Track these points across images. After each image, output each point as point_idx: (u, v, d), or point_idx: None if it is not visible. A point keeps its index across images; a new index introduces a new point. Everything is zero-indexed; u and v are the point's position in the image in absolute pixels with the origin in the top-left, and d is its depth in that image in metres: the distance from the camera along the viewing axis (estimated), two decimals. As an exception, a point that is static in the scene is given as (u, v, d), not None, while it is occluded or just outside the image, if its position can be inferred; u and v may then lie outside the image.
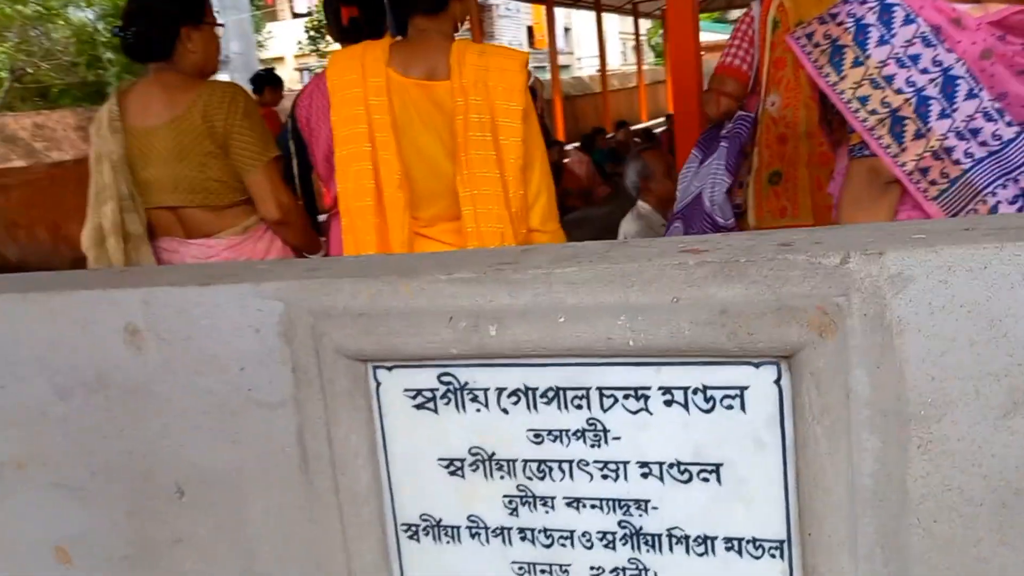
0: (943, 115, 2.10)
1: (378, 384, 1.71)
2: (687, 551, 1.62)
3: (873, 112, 2.18)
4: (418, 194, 2.50)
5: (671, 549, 1.62)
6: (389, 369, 1.69)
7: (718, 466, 1.55)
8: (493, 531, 1.72)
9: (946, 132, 2.09)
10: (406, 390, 1.70)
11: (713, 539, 1.59)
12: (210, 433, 1.67)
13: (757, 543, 1.57)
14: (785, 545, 1.55)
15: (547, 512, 1.68)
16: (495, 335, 1.57)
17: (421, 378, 1.68)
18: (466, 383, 1.65)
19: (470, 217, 2.43)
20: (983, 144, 2.04)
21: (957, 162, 2.06)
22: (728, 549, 1.59)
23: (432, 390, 1.68)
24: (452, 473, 1.71)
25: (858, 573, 1.50)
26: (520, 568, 1.73)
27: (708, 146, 4.36)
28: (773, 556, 1.57)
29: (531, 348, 1.56)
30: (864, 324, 1.42)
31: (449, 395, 1.67)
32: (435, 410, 1.69)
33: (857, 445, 1.46)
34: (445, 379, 1.67)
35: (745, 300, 1.46)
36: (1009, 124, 2.08)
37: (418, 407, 1.70)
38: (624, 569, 1.67)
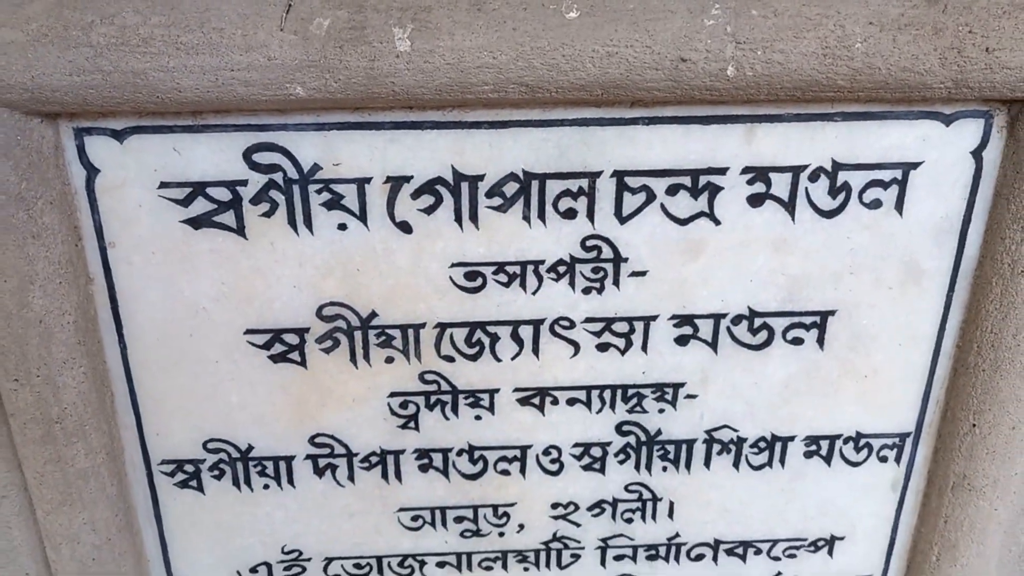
0: None
1: (91, 174, 0.73)
2: (735, 464, 0.90)
3: None
4: None
5: (707, 463, 0.90)
6: (118, 136, 0.71)
7: (826, 316, 0.82)
8: (364, 460, 0.88)
9: None
10: (165, 184, 0.74)
11: (786, 441, 0.89)
12: None
13: (861, 441, 0.89)
14: (908, 442, 0.90)
15: (478, 418, 0.87)
16: (408, 48, 0.66)
17: (204, 158, 0.73)
18: (314, 170, 0.73)
19: None
20: None
21: None
22: (809, 454, 0.90)
23: (231, 185, 0.74)
24: (277, 357, 0.82)
25: (1040, 481, 0.90)
26: (415, 518, 0.92)
27: None
28: (883, 459, 0.91)
29: (481, 77, 0.67)
30: None
31: (274, 194, 0.75)
32: (238, 229, 0.76)
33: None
34: (261, 158, 0.73)
35: (977, -27, 0.68)
36: None
37: (196, 222, 0.75)
38: (615, 502, 0.93)
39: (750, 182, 0.76)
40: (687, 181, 0.76)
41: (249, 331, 0.80)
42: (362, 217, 0.76)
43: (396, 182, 0.75)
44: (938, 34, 0.67)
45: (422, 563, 0.94)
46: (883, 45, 0.67)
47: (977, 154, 0.76)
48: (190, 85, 0.66)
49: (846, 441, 0.89)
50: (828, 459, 0.90)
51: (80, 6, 0.64)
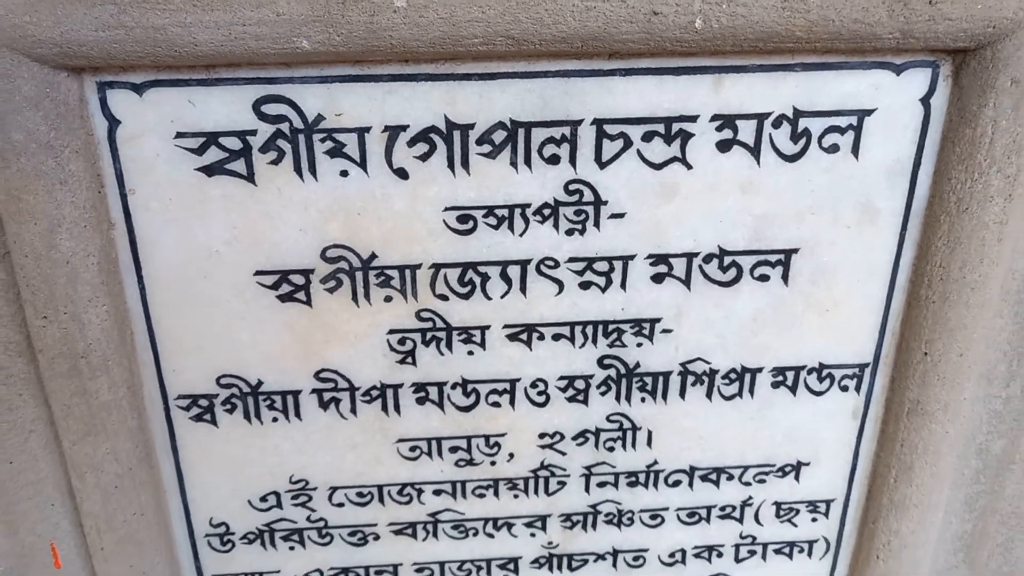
0: None
1: (112, 125, 0.79)
2: (708, 395, 0.98)
3: None
4: None
5: (682, 394, 0.98)
6: (137, 90, 0.78)
7: (791, 253, 0.90)
8: (365, 394, 0.95)
9: None
10: (180, 135, 0.80)
11: (755, 372, 0.97)
12: None
13: (824, 371, 0.97)
14: (867, 371, 0.97)
15: (470, 353, 0.94)
16: (405, 3, 0.72)
17: (217, 110, 0.79)
18: (318, 120, 0.80)
19: None
20: None
21: None
22: (776, 385, 0.98)
23: (242, 135, 0.81)
24: (284, 297, 0.88)
25: (990, 402, 0.98)
26: (413, 448, 1.00)
27: None
28: (844, 389, 0.98)
29: (471, 30, 0.74)
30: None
31: (281, 143, 0.81)
32: (248, 176, 0.82)
33: (1030, 206, 0.87)
34: (269, 109, 0.79)
35: (921, -67, 0.75)
36: None
37: (209, 170, 0.82)
38: (597, 432, 1.00)
39: (719, 129, 0.83)
40: (661, 128, 0.83)
41: (258, 272, 0.87)
42: (362, 164, 0.82)
43: (393, 131, 0.81)
44: (885, -11, 0.74)
45: (420, 491, 1.02)
46: (836, -1, 0.74)
47: (925, 101, 0.83)
48: (205, 39, 0.72)
49: (810, 372, 0.97)
50: (794, 389, 0.98)
51: (104, -34, 0.70)
